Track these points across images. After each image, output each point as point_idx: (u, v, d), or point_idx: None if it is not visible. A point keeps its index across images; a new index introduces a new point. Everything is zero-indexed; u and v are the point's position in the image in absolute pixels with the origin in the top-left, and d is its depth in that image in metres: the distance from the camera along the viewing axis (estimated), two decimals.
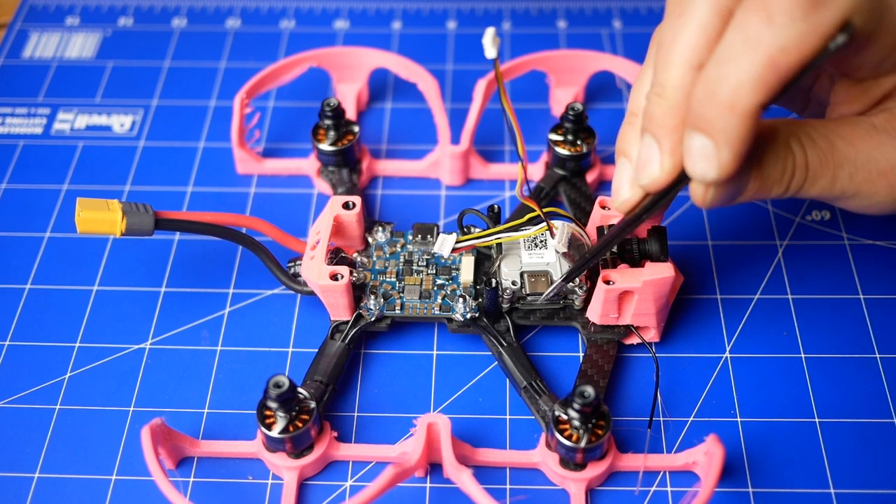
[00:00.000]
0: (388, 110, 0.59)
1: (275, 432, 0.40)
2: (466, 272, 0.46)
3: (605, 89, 0.60)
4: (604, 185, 0.54)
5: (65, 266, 0.51)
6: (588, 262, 0.42)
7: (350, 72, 0.58)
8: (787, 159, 0.36)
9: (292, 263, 0.48)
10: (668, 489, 0.42)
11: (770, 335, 0.47)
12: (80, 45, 0.64)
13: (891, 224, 0.52)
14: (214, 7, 0.67)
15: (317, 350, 0.45)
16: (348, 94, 0.58)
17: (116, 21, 0.66)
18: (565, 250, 0.44)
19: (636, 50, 0.62)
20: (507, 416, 0.44)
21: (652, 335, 0.46)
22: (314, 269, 0.44)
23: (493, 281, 0.44)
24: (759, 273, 0.50)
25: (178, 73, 0.62)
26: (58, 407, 0.45)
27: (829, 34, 0.31)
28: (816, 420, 0.44)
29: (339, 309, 0.45)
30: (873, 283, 0.49)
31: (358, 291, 0.46)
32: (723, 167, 0.34)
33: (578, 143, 0.51)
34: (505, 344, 0.45)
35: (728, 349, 0.47)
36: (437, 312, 0.46)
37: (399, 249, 0.48)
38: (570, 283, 0.44)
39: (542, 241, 0.46)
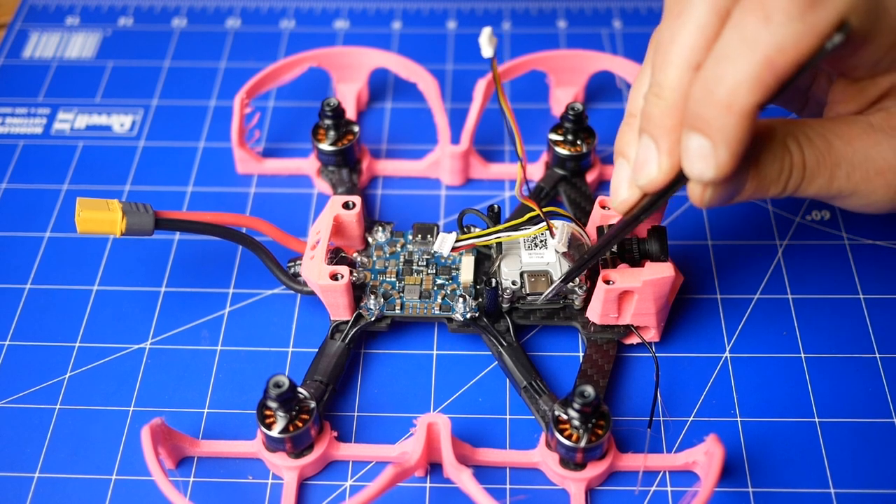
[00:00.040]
0: (388, 110, 0.59)
1: (275, 432, 0.40)
2: (466, 272, 0.46)
3: (605, 89, 0.60)
4: (604, 185, 0.54)
5: (65, 266, 0.51)
6: (587, 263, 0.42)
7: (350, 72, 0.58)
8: (784, 159, 0.36)
9: (292, 263, 0.48)
10: (668, 489, 0.42)
11: (770, 335, 0.47)
12: (80, 45, 0.64)
13: (891, 224, 0.52)
14: (214, 7, 0.67)
15: (317, 350, 0.45)
16: (348, 94, 0.58)
17: (116, 21, 0.66)
18: (565, 250, 0.44)
19: (636, 50, 0.62)
20: (507, 416, 0.44)
21: (652, 335, 0.46)
22: (314, 269, 0.44)
23: (493, 281, 0.44)
24: (759, 273, 0.50)
25: (178, 73, 0.62)
26: (58, 407, 0.45)
27: (825, 34, 0.31)
28: (816, 420, 0.44)
29: (339, 309, 0.45)
30: (873, 283, 0.49)
31: (358, 291, 0.46)
32: (720, 167, 0.34)
33: (578, 143, 0.51)
34: (505, 344, 0.45)
35: (728, 349, 0.47)
36: (437, 312, 0.46)
37: (399, 249, 0.48)
38: (570, 283, 0.44)
39: (542, 241, 0.46)
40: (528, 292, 0.45)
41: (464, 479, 0.39)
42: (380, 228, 0.48)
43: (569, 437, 0.40)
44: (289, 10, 0.67)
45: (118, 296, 0.49)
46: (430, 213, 0.53)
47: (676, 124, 0.35)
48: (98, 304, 0.49)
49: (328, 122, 0.51)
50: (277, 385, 0.39)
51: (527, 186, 0.45)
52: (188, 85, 0.61)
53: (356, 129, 0.52)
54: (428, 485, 0.42)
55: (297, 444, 0.41)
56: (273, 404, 0.40)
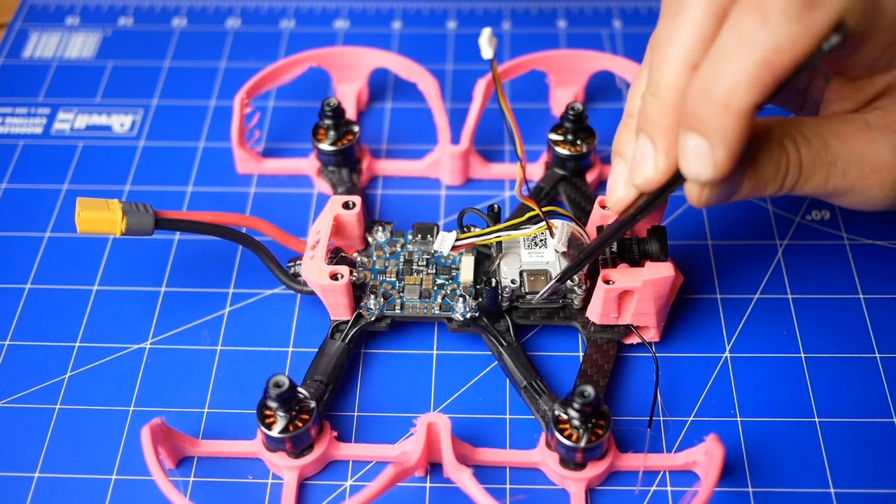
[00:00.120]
0: (388, 110, 0.59)
1: (275, 432, 0.40)
2: (466, 272, 0.46)
3: (605, 89, 0.60)
4: (604, 185, 0.54)
5: (65, 266, 0.51)
6: (583, 262, 0.42)
7: (350, 72, 0.58)
8: (780, 158, 0.36)
9: (292, 263, 0.48)
10: (668, 489, 0.42)
11: (770, 335, 0.47)
12: (80, 45, 0.64)
13: (891, 224, 0.52)
14: (214, 7, 0.67)
15: (317, 350, 0.45)
16: (348, 94, 0.58)
17: (116, 21, 0.66)
18: (565, 249, 0.44)
19: (636, 50, 0.62)
20: (507, 416, 0.44)
21: (652, 335, 0.46)
22: (314, 269, 0.44)
23: (493, 280, 0.44)
24: (759, 273, 0.50)
25: (178, 73, 0.62)
26: (58, 407, 0.45)
27: (822, 34, 0.31)
28: (816, 420, 0.44)
29: (339, 309, 0.45)
30: (873, 283, 0.49)
31: (358, 291, 0.46)
32: (718, 167, 0.34)
33: (578, 142, 0.51)
34: (505, 344, 0.45)
35: (728, 349, 0.47)
36: (437, 312, 0.46)
37: (399, 249, 0.48)
38: (569, 283, 0.44)
39: (541, 241, 0.46)
40: (527, 291, 0.45)
41: (464, 479, 0.39)
42: (380, 228, 0.48)
43: (569, 437, 0.40)
44: (289, 10, 0.67)
45: (118, 296, 0.49)
46: (430, 213, 0.53)
47: (673, 124, 0.35)
48: (98, 304, 0.49)
49: (328, 122, 0.51)
50: (277, 385, 0.39)
51: (526, 186, 0.45)
52: (188, 85, 0.61)
53: (356, 129, 0.52)
54: (428, 485, 0.42)
55: (297, 444, 0.41)
56: (273, 404, 0.40)
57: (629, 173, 0.38)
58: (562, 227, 0.44)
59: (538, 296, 0.44)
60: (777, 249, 0.51)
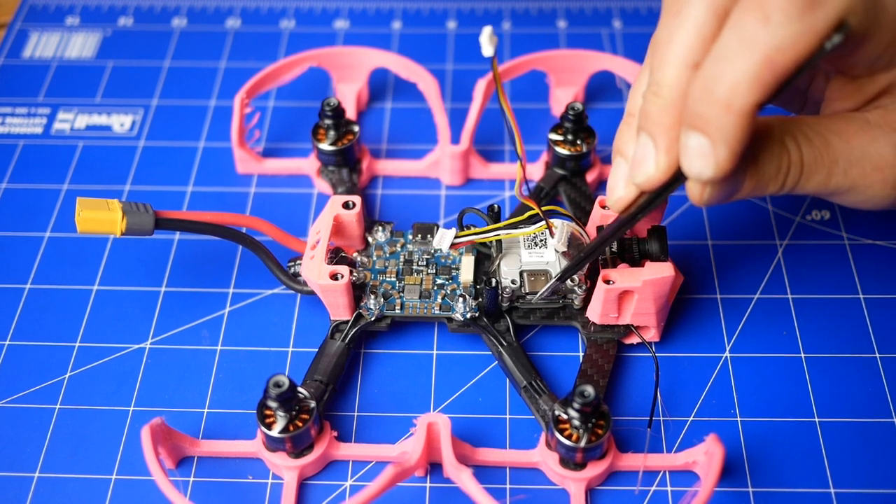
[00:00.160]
0: (388, 110, 0.59)
1: (275, 432, 0.40)
2: (466, 272, 0.46)
3: (605, 89, 0.60)
4: (604, 185, 0.54)
5: (65, 266, 0.51)
6: (583, 262, 0.42)
7: (350, 72, 0.58)
8: (782, 157, 0.36)
9: (292, 263, 0.48)
10: (668, 489, 0.42)
11: (770, 335, 0.47)
12: (80, 45, 0.64)
13: (891, 224, 0.52)
14: (214, 7, 0.67)
15: (317, 350, 0.45)
16: (348, 94, 0.58)
17: (116, 21, 0.66)
18: (565, 249, 0.44)
19: (636, 50, 0.62)
20: (507, 416, 0.44)
21: (652, 335, 0.46)
22: (314, 269, 0.44)
23: (493, 280, 0.44)
24: (759, 273, 0.50)
25: (178, 73, 0.62)
26: (58, 407, 0.45)
27: (824, 34, 0.32)
28: (816, 420, 0.44)
29: (339, 308, 0.45)
30: (873, 283, 0.49)
31: (358, 291, 0.46)
32: (719, 166, 0.34)
33: (578, 142, 0.51)
34: (505, 343, 0.45)
35: (728, 349, 0.47)
36: (437, 312, 0.46)
37: (399, 249, 0.48)
38: (570, 283, 0.44)
39: (541, 241, 0.46)
40: (527, 291, 0.45)
41: (464, 479, 0.39)
42: (380, 228, 0.48)
43: (569, 437, 0.40)
44: (289, 10, 0.67)
45: (118, 296, 0.49)
46: (430, 212, 0.53)
47: (674, 122, 0.35)
48: (98, 304, 0.49)
49: (328, 121, 0.51)
50: (277, 385, 0.39)
51: (526, 186, 0.45)
52: (188, 85, 0.61)
53: (356, 128, 0.52)
54: (428, 485, 0.42)
55: (297, 444, 0.41)
56: (273, 404, 0.40)
57: (630, 172, 0.38)
58: (561, 227, 0.44)
59: (538, 295, 0.44)
60: (777, 249, 0.51)
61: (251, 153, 0.54)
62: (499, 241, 0.46)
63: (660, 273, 0.43)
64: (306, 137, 0.57)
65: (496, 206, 0.46)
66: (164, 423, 0.41)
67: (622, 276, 0.43)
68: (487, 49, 0.36)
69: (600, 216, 0.45)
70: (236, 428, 0.44)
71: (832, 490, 0.42)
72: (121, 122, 0.59)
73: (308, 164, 0.54)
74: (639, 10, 0.66)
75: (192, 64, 0.63)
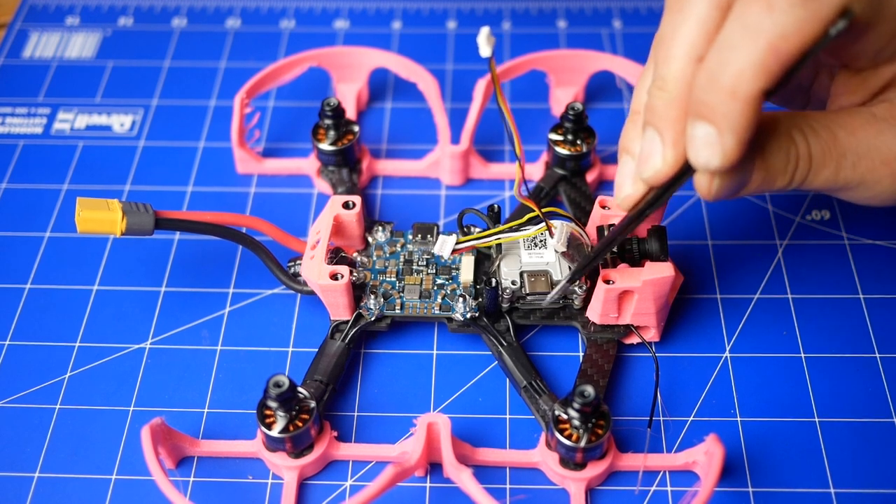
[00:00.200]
0: (388, 110, 0.59)
1: (275, 432, 0.40)
2: (466, 272, 0.46)
3: (605, 89, 0.60)
4: (604, 185, 0.54)
5: (65, 266, 0.51)
6: (592, 262, 0.42)
7: (350, 72, 0.58)
8: (790, 150, 0.36)
9: (292, 263, 0.48)
10: (668, 489, 0.42)
11: (770, 335, 0.47)
12: (80, 45, 0.64)
13: (891, 224, 0.52)
14: (214, 7, 0.67)
15: (317, 350, 0.45)
16: (348, 94, 0.58)
17: (116, 21, 0.66)
18: (564, 250, 0.44)
19: (636, 50, 0.62)
20: (507, 416, 0.44)
21: (652, 335, 0.46)
22: (314, 269, 0.44)
23: (493, 280, 0.44)
24: (759, 273, 0.50)
25: (178, 73, 0.62)
26: (58, 407, 0.45)
27: (828, 20, 0.32)
28: (816, 420, 0.44)
29: (339, 308, 0.45)
30: (873, 283, 0.49)
31: (358, 291, 0.46)
32: (727, 154, 0.33)
33: (578, 142, 0.51)
34: (505, 343, 0.45)
35: (728, 349, 0.47)
36: (437, 312, 0.46)
37: (399, 249, 0.48)
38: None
39: (541, 241, 0.46)
40: (527, 292, 0.45)
41: (464, 479, 0.39)
42: (380, 228, 0.48)
43: (569, 437, 0.40)
44: (289, 10, 0.67)
45: (118, 296, 0.49)
46: (430, 212, 0.53)
47: (680, 116, 0.35)
48: (98, 304, 0.49)
49: (328, 121, 0.51)
50: (277, 385, 0.39)
51: (525, 186, 0.45)
52: (188, 85, 0.61)
53: (356, 128, 0.52)
54: (428, 485, 0.42)
55: (297, 444, 0.41)
56: (273, 404, 0.40)
57: (637, 168, 0.38)
58: (561, 228, 0.44)
59: (549, 298, 0.44)
60: (777, 249, 0.51)
61: (251, 153, 0.54)
62: (499, 243, 0.46)
63: (660, 273, 0.43)
64: (306, 137, 0.57)
65: (496, 206, 0.46)
66: (164, 423, 0.41)
67: (622, 276, 0.43)
68: (485, 50, 0.36)
69: (600, 216, 0.45)
70: (236, 428, 0.44)
71: (832, 490, 0.42)
72: (121, 122, 0.59)
73: (308, 164, 0.54)
74: (639, 10, 0.66)
75: (192, 64, 0.63)
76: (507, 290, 0.45)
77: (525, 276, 0.45)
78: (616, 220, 0.45)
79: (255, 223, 0.46)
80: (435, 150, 0.54)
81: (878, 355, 0.46)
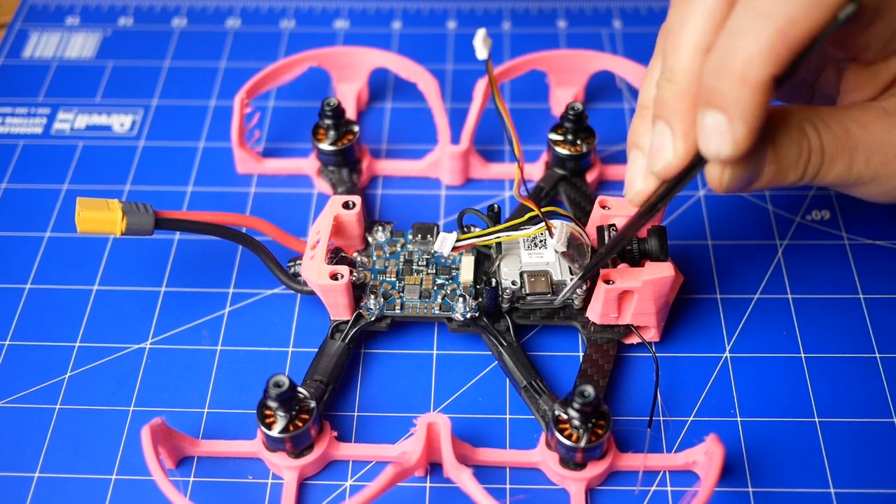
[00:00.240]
0: (388, 110, 0.59)
1: (275, 432, 0.40)
2: (466, 272, 0.46)
3: (605, 89, 0.60)
4: (604, 185, 0.54)
5: (65, 266, 0.51)
6: (605, 257, 0.42)
7: (350, 72, 0.58)
8: (802, 143, 0.36)
9: (292, 263, 0.48)
10: (668, 489, 0.42)
11: (770, 335, 0.47)
12: (80, 45, 0.64)
13: (891, 224, 0.52)
14: (214, 7, 0.67)
15: (317, 350, 0.45)
16: (348, 94, 0.58)
17: (116, 21, 0.66)
18: (564, 250, 0.44)
19: (636, 50, 0.62)
20: (507, 416, 0.44)
21: (652, 335, 0.46)
22: (314, 269, 0.44)
23: (493, 280, 0.44)
24: (759, 273, 0.50)
25: (178, 73, 0.62)
26: (58, 407, 0.45)
27: (837, 4, 0.31)
28: (816, 420, 0.44)
29: (339, 308, 0.45)
30: (873, 283, 0.49)
31: (358, 291, 0.46)
32: (737, 142, 0.33)
33: (578, 142, 0.51)
34: (505, 343, 0.45)
35: (728, 349, 0.47)
36: (437, 312, 0.46)
37: (399, 249, 0.48)
38: (569, 282, 0.45)
39: (541, 241, 0.46)
40: (528, 292, 0.45)
41: (464, 479, 0.39)
42: (380, 228, 0.48)
43: (569, 437, 0.40)
44: (289, 10, 0.67)
45: (118, 296, 0.49)
46: (430, 213, 0.53)
47: (690, 107, 0.35)
48: (98, 304, 0.49)
49: (328, 121, 0.51)
50: (277, 385, 0.39)
51: (525, 186, 0.45)
52: (188, 85, 0.61)
53: (356, 128, 0.52)
54: (428, 485, 0.42)
55: (297, 444, 0.41)
56: (273, 404, 0.40)
57: (648, 161, 0.37)
58: (560, 227, 0.44)
59: (562, 295, 0.44)
60: (777, 249, 0.51)
61: (251, 153, 0.54)
62: (499, 242, 0.46)
63: (660, 273, 0.43)
64: (306, 137, 0.57)
65: (496, 206, 0.46)
66: (164, 423, 0.41)
67: (622, 276, 0.43)
68: (481, 52, 0.36)
69: (600, 216, 0.45)
70: (236, 428, 0.44)
71: (832, 490, 0.42)
72: (121, 122, 0.59)
73: (308, 164, 0.54)
74: (639, 10, 0.66)
75: (192, 64, 0.63)
76: (507, 290, 0.45)
77: (525, 276, 0.45)
78: (616, 220, 0.45)
79: (255, 223, 0.46)
80: (435, 150, 0.54)
81: (878, 355, 0.46)
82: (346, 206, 0.46)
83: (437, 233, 0.48)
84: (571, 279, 0.45)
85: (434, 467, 0.42)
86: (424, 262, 0.47)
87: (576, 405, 0.39)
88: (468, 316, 0.45)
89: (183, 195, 0.54)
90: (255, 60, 0.62)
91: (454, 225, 0.47)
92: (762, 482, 0.42)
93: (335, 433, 0.43)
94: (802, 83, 0.43)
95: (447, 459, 0.40)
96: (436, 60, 0.62)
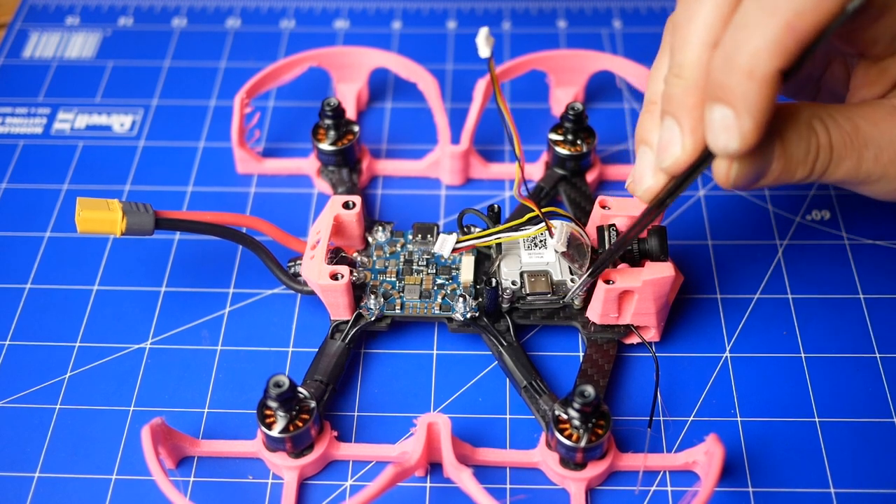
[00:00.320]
0: (388, 110, 0.59)
1: (275, 432, 0.40)
2: (466, 272, 0.46)
3: (605, 89, 0.60)
4: (604, 185, 0.54)
5: (65, 266, 0.51)
6: (613, 255, 0.42)
7: (350, 72, 0.58)
8: (810, 139, 0.36)
9: (292, 263, 0.48)
10: (668, 489, 0.42)
11: (770, 335, 0.47)
12: (80, 45, 0.64)
13: (891, 224, 0.52)
14: (214, 7, 0.67)
15: (317, 350, 0.45)
16: (348, 94, 0.58)
17: (116, 21, 0.66)
18: (564, 250, 0.44)
19: (636, 50, 0.62)
20: (507, 416, 0.44)
21: (652, 335, 0.46)
22: (314, 269, 0.44)
23: (493, 280, 0.44)
24: (759, 273, 0.50)
25: (178, 73, 0.62)
26: (58, 407, 0.45)
27: None
28: (816, 420, 0.44)
29: (339, 308, 0.45)
30: (873, 283, 0.49)
31: (358, 291, 0.46)
32: (745, 137, 0.33)
33: (578, 142, 0.51)
34: (505, 343, 0.45)
35: (728, 349, 0.47)
36: (437, 312, 0.46)
37: (399, 249, 0.48)
38: (570, 283, 0.45)
39: (541, 241, 0.46)
40: (528, 292, 0.45)
41: (464, 479, 0.39)
42: (380, 228, 0.48)
43: (569, 437, 0.40)
44: (289, 10, 0.67)
45: (118, 296, 0.49)
46: (430, 212, 0.53)
47: (698, 102, 0.35)
48: (98, 304, 0.49)
49: (328, 121, 0.51)
50: (277, 385, 0.39)
51: (525, 186, 0.45)
52: (188, 85, 0.61)
53: (356, 128, 0.52)
54: (428, 485, 0.42)
55: (298, 444, 0.41)
56: (273, 404, 0.40)
57: (657, 157, 0.37)
58: (560, 227, 0.44)
59: (571, 292, 0.44)
60: (777, 249, 0.51)
61: (251, 153, 0.54)
62: (499, 243, 0.46)
63: (660, 273, 0.43)
64: (306, 137, 0.57)
65: (496, 206, 0.46)
66: (164, 423, 0.41)
67: (622, 276, 0.43)
68: (484, 51, 0.36)
69: (600, 216, 0.45)
70: (236, 428, 0.44)
71: (832, 490, 0.42)
72: (121, 122, 0.59)
73: (308, 164, 0.54)
74: (639, 10, 0.66)
75: (192, 64, 0.63)
76: (508, 291, 0.45)
77: (525, 276, 0.45)
78: (616, 220, 0.45)
79: (255, 223, 0.46)
80: (435, 150, 0.54)
81: (878, 355, 0.46)
82: (346, 206, 0.46)
83: (437, 233, 0.48)
84: (574, 279, 0.45)
85: (434, 467, 0.42)
86: (424, 262, 0.47)
87: (576, 405, 0.39)
88: (468, 316, 0.45)
89: (183, 195, 0.54)
90: (255, 60, 0.62)
91: (454, 225, 0.47)
92: (762, 482, 0.42)
93: (335, 433, 0.43)
94: (808, 78, 0.43)
95: (447, 459, 0.40)
96: (436, 60, 0.62)
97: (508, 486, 0.42)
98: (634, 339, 0.46)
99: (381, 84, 0.60)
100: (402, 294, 0.46)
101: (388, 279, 0.47)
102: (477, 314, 0.45)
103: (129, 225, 0.43)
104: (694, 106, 0.35)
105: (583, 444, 0.39)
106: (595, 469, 0.41)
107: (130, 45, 0.64)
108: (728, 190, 0.37)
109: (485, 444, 0.43)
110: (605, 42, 0.64)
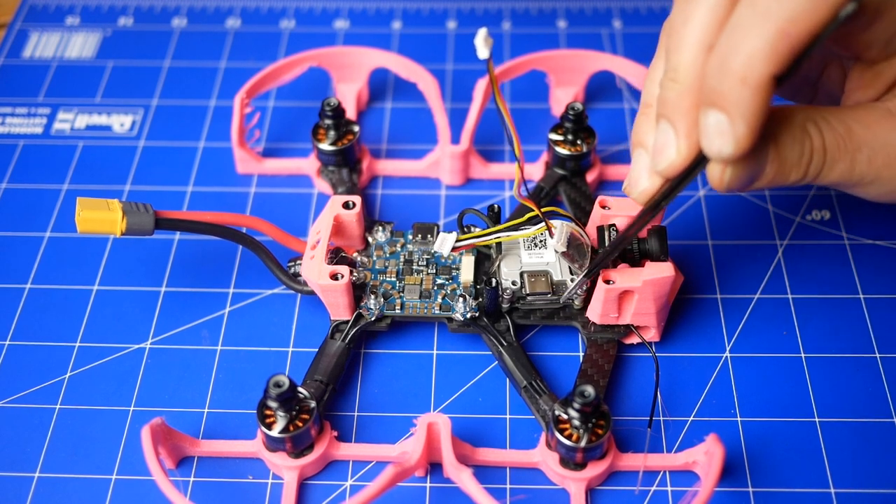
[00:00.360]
0: (388, 110, 0.59)
1: (275, 432, 0.40)
2: (466, 272, 0.46)
3: (605, 89, 0.60)
4: (604, 185, 0.54)
5: (65, 266, 0.51)
6: (608, 256, 0.42)
7: (350, 72, 0.58)
8: (804, 142, 0.36)
9: (292, 263, 0.48)
10: (668, 489, 0.42)
11: (770, 335, 0.47)
12: (80, 45, 0.64)
13: (891, 224, 0.52)
14: (214, 7, 0.67)
15: (317, 350, 0.45)
16: (348, 94, 0.58)
17: (116, 21, 0.66)
18: (564, 250, 0.44)
19: (636, 50, 0.62)
20: (507, 416, 0.44)
21: (652, 335, 0.46)
22: (314, 269, 0.44)
23: (493, 281, 0.44)
24: (759, 273, 0.50)
25: (178, 73, 0.62)
26: (58, 407, 0.45)
27: (837, 3, 0.31)
28: (816, 420, 0.44)
29: (339, 308, 0.45)
30: (873, 283, 0.49)
31: (358, 291, 0.46)
32: (739, 142, 0.33)
33: (578, 142, 0.51)
34: (505, 343, 0.45)
35: (728, 349, 0.47)
36: (437, 312, 0.46)
37: (399, 249, 0.48)
38: (570, 283, 0.44)
39: (541, 241, 0.46)
40: (528, 292, 0.45)
41: (464, 479, 0.39)
42: (380, 228, 0.48)
43: (569, 437, 0.40)
44: (289, 10, 0.67)
45: (118, 296, 0.49)
46: (430, 212, 0.53)
47: (693, 106, 0.35)
48: (98, 304, 0.49)
49: (328, 121, 0.51)
50: (277, 385, 0.39)
51: (525, 186, 0.45)
52: (188, 85, 0.61)
53: (356, 128, 0.52)
54: (428, 485, 0.42)
55: (298, 444, 0.41)
56: (273, 404, 0.40)
57: (652, 160, 0.37)
58: (560, 227, 0.44)
59: (567, 293, 0.44)
60: (777, 249, 0.51)
61: (251, 153, 0.54)
62: (499, 242, 0.46)
63: (660, 273, 0.43)
64: (306, 137, 0.57)
65: (496, 206, 0.46)
66: (164, 423, 0.41)
67: (622, 276, 0.43)
68: (483, 51, 0.36)
69: (600, 216, 0.45)
70: (236, 428, 0.44)
71: (832, 490, 0.42)
72: (121, 122, 0.59)
73: (308, 164, 0.54)
74: (639, 10, 0.66)
75: (192, 64, 0.63)
76: (508, 291, 0.45)
77: (525, 276, 0.45)
78: (616, 220, 0.45)
79: (255, 223, 0.46)
80: (435, 150, 0.54)
81: (878, 355, 0.46)
82: (346, 206, 0.46)
83: (437, 233, 0.48)
84: (573, 279, 0.45)
85: (434, 467, 0.42)
86: (424, 262, 0.47)
87: (576, 405, 0.39)
88: (468, 316, 0.45)
89: (183, 195, 0.54)
90: (255, 60, 0.62)
91: (454, 225, 0.47)
92: (762, 482, 0.42)
93: (335, 433, 0.43)
94: (805, 81, 0.43)
95: (447, 459, 0.40)
96: (436, 60, 0.62)
97: (508, 486, 0.42)
98: (634, 339, 0.46)
99: (381, 84, 0.60)
100: (402, 294, 0.46)
101: (388, 279, 0.47)
102: (477, 314, 0.45)
103: (129, 225, 0.43)
104: (689, 109, 0.35)
105: (583, 444, 0.39)
106: (595, 469, 0.41)
107: (130, 45, 0.64)
108: (724, 192, 0.37)
109: (485, 444, 0.43)
110: (605, 42, 0.64)
